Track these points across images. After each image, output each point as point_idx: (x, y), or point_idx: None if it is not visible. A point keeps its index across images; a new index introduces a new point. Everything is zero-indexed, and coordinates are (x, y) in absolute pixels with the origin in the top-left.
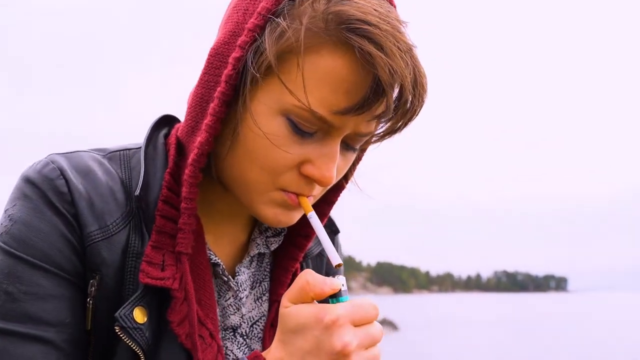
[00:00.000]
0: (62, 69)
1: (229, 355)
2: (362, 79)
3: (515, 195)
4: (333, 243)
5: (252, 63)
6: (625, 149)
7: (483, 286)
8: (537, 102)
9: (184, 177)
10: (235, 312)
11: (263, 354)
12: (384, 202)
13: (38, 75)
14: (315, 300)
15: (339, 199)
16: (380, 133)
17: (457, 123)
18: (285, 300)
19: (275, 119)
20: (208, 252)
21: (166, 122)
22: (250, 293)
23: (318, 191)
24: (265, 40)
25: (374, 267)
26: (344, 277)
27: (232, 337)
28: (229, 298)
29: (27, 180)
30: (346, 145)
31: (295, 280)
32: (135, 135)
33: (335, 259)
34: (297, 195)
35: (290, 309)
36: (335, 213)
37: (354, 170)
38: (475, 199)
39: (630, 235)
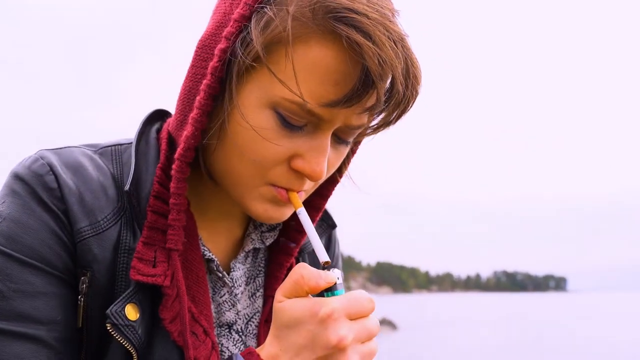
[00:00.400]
0: (55, 64)
1: (225, 352)
2: (351, 70)
3: (515, 195)
4: (330, 237)
5: (239, 54)
6: (625, 149)
7: (482, 286)
8: (538, 102)
9: (171, 171)
10: (231, 309)
11: (257, 350)
12: (384, 201)
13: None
14: (310, 295)
15: (339, 196)
16: (373, 126)
17: (458, 123)
18: (279, 294)
19: (263, 112)
20: (202, 247)
21: (158, 116)
22: (245, 289)
23: (309, 186)
24: (251, 30)
25: (374, 267)
26: (340, 271)
27: (228, 333)
28: (224, 294)
29: (16, 177)
30: (338, 139)
31: (289, 275)
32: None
33: (322, 257)
34: (287, 190)
35: (284, 304)
36: (335, 213)
37: (348, 164)
38: (475, 199)
39: (630, 235)
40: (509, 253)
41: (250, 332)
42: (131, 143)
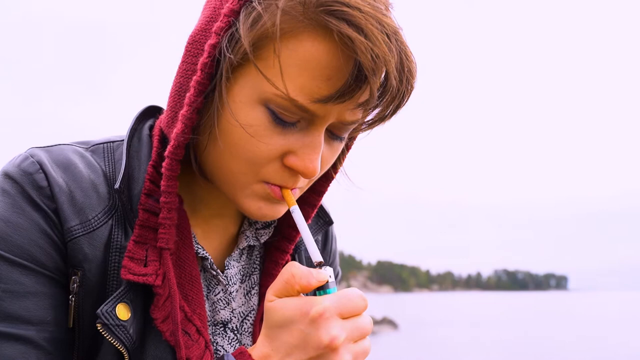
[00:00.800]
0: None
1: (220, 351)
2: (343, 65)
3: (515, 195)
4: (327, 234)
5: (227, 50)
6: (626, 149)
7: (483, 285)
8: (538, 102)
9: (162, 169)
10: (225, 307)
11: (249, 350)
12: (384, 201)
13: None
14: (301, 294)
15: (339, 196)
16: (368, 121)
17: (458, 123)
18: (270, 294)
19: (255, 109)
20: (196, 246)
21: (151, 112)
22: (240, 287)
23: (303, 183)
24: (240, 25)
25: (374, 265)
26: (332, 269)
27: (223, 332)
28: (219, 292)
29: (6, 175)
30: (332, 135)
31: (280, 274)
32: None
33: (315, 256)
34: (281, 187)
35: (275, 303)
36: (335, 213)
37: (343, 160)
38: (475, 198)
39: (631, 235)
40: (510, 252)
41: (246, 330)
42: (123, 140)
